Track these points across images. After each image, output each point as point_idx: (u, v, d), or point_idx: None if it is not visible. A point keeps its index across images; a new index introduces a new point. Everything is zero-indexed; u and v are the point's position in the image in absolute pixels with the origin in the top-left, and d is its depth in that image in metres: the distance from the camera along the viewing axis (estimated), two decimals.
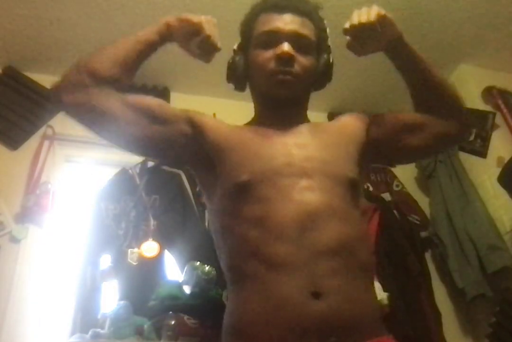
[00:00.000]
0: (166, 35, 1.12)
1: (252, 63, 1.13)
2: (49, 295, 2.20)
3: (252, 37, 1.15)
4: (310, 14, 1.15)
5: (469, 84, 2.78)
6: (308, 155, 1.05)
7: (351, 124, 1.18)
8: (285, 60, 1.07)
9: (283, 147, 1.06)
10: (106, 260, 2.13)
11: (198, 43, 1.11)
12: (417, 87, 1.18)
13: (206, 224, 2.25)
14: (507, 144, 2.57)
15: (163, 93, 2.80)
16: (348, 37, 1.09)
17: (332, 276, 0.90)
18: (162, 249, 2.12)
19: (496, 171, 2.40)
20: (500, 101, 2.64)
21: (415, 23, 2.51)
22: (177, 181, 2.31)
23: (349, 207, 1.02)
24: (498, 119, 2.62)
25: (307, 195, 0.98)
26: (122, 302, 1.84)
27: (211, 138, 1.08)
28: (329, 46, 1.18)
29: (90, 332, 1.76)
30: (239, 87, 1.20)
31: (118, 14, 2.36)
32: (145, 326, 1.78)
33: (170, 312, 1.78)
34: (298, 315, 0.86)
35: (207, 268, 1.84)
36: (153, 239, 2.12)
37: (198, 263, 1.87)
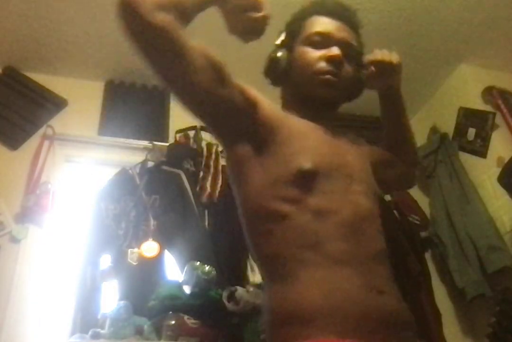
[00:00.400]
0: (217, 4, 1.04)
1: (298, 60, 1.13)
2: (49, 295, 2.20)
3: (300, 35, 1.15)
4: (357, 28, 1.19)
5: (469, 84, 2.78)
6: (354, 161, 1.08)
7: (366, 145, 1.25)
8: (336, 62, 1.09)
9: (337, 148, 1.07)
10: (106, 260, 2.13)
11: (248, 21, 1.03)
12: (394, 132, 1.32)
13: (206, 223, 2.26)
14: (507, 144, 2.57)
15: (163, 93, 2.81)
16: (371, 68, 1.16)
17: (384, 280, 0.94)
18: (162, 249, 2.12)
19: (496, 171, 2.40)
20: (500, 101, 2.64)
21: (415, 23, 2.51)
22: (177, 181, 2.30)
23: (379, 216, 1.06)
24: (498, 119, 2.62)
25: (360, 198, 1.01)
26: (122, 302, 1.84)
27: (266, 116, 1.03)
28: (363, 63, 1.20)
29: (90, 332, 1.76)
30: (276, 82, 1.19)
31: None
32: (145, 326, 1.78)
33: (170, 312, 1.78)
34: (369, 309, 0.86)
35: (207, 268, 1.84)
36: (153, 239, 2.12)
37: (198, 263, 1.87)
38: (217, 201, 2.29)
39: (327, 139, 1.08)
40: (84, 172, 2.59)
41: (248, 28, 1.05)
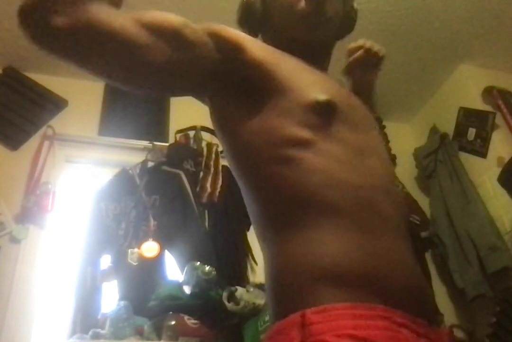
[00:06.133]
0: None
1: (274, 2, 0.99)
2: (49, 295, 2.20)
3: None
4: None
5: (469, 84, 2.79)
6: (361, 106, 0.96)
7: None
8: (319, 1, 0.93)
9: (339, 87, 0.95)
10: (106, 260, 2.13)
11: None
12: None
13: (206, 224, 2.26)
14: (507, 144, 2.57)
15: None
16: (358, 53, 1.04)
17: (408, 248, 0.80)
18: (162, 249, 2.12)
19: (496, 171, 2.40)
20: (500, 101, 2.64)
21: (415, 23, 2.51)
22: (177, 181, 2.31)
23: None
24: (498, 119, 2.62)
25: (381, 152, 0.89)
26: (122, 302, 1.84)
27: (252, 52, 0.85)
28: None
29: (90, 332, 1.76)
30: (253, 31, 1.04)
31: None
32: (145, 326, 1.78)
33: (170, 312, 1.78)
34: (408, 274, 0.73)
35: (207, 268, 1.84)
36: (153, 239, 2.12)
37: (198, 263, 1.87)
38: (217, 201, 2.29)
39: (332, 80, 0.96)
40: (84, 172, 2.59)
41: None
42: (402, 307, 0.67)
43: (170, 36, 0.79)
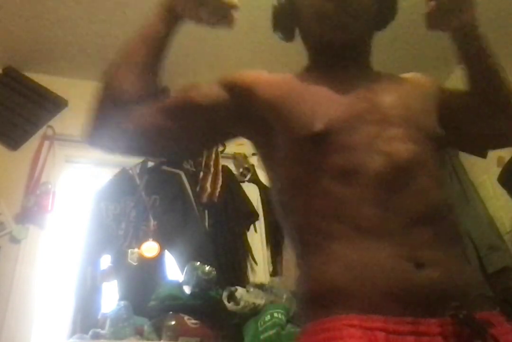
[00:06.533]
0: (173, 18, 0.97)
1: (301, 5, 0.98)
2: (49, 295, 2.20)
3: None
4: None
5: None
6: (389, 102, 0.90)
7: (428, 84, 1.03)
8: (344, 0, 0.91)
9: (360, 94, 0.91)
10: (106, 260, 2.13)
11: (210, 10, 0.95)
12: (477, 79, 1.02)
13: (206, 224, 2.26)
14: None
15: (163, 93, 2.80)
16: (431, 4, 0.92)
17: (429, 246, 0.78)
18: (162, 249, 2.12)
19: (496, 171, 2.40)
20: None
21: (415, 23, 2.51)
22: (177, 181, 2.31)
23: (438, 166, 0.88)
24: None
25: (396, 145, 0.84)
26: (122, 302, 1.84)
27: (260, 95, 0.92)
28: None
29: (90, 333, 1.76)
30: (287, 36, 1.05)
31: (119, 14, 2.36)
32: (145, 326, 1.78)
33: (170, 312, 1.78)
34: (404, 284, 0.75)
35: (207, 268, 1.84)
36: (153, 239, 2.12)
37: (198, 263, 1.87)
38: (217, 201, 2.29)
39: (350, 87, 0.92)
40: (84, 172, 2.59)
41: (217, 13, 0.96)
42: (384, 311, 0.72)
43: (187, 111, 0.94)
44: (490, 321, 0.74)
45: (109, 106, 0.93)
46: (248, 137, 0.99)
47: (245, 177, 2.54)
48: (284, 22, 1.04)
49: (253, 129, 0.96)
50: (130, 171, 2.37)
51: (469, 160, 2.70)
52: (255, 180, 2.53)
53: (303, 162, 0.88)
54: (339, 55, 0.97)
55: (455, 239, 0.84)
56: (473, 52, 1.00)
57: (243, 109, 0.93)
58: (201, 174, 2.37)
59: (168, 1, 0.96)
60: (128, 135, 0.91)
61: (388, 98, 0.91)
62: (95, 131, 0.92)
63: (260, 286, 1.83)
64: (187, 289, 1.83)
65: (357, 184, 0.82)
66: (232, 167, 2.55)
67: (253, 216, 2.37)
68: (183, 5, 0.95)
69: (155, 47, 0.97)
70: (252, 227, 2.38)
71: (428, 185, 0.83)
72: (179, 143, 0.97)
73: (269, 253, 2.37)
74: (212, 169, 2.39)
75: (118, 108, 0.91)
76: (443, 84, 1.05)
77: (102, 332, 1.76)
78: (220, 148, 2.45)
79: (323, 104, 0.89)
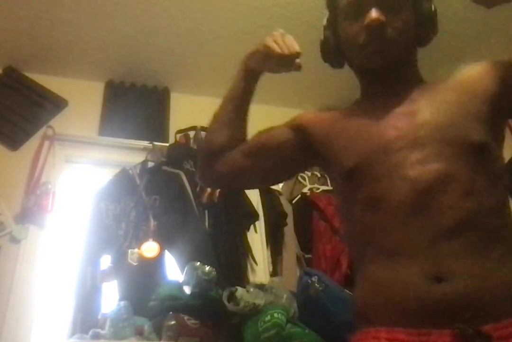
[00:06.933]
0: (251, 76, 1.16)
1: (343, 38, 1.07)
2: (49, 296, 2.20)
3: (339, 10, 1.07)
4: None
5: None
6: (420, 123, 0.95)
7: (478, 76, 1.03)
8: (376, 28, 0.98)
9: (391, 121, 0.98)
10: (106, 260, 2.13)
11: (277, 62, 1.10)
12: None
13: (206, 224, 2.26)
14: (507, 144, 2.57)
15: (163, 93, 2.81)
16: None
17: (455, 258, 0.83)
18: (162, 249, 2.11)
19: None
20: None
21: None
22: (177, 181, 2.31)
23: (475, 175, 0.89)
24: None
25: (420, 168, 0.89)
26: (122, 303, 1.83)
27: (316, 134, 1.08)
28: None
29: (90, 333, 1.76)
30: (336, 64, 1.15)
31: (119, 14, 2.36)
32: (145, 327, 1.78)
33: (170, 313, 1.78)
34: (418, 300, 0.82)
35: (207, 268, 1.84)
36: (153, 239, 2.12)
37: (198, 263, 1.87)
38: (217, 201, 2.29)
39: (387, 115, 0.99)
40: (84, 172, 2.59)
41: (283, 63, 1.09)
42: (404, 324, 0.83)
43: (260, 152, 1.14)
44: (500, 336, 0.77)
45: (206, 154, 1.17)
46: (320, 169, 1.22)
47: None
48: (331, 54, 1.13)
49: (317, 162, 1.17)
50: (130, 171, 2.37)
51: None
52: None
53: (343, 194, 1.04)
54: (382, 79, 1.06)
55: (494, 245, 0.86)
56: None
57: (307, 146, 1.10)
58: None
59: (243, 62, 1.15)
60: (220, 175, 1.16)
61: (422, 117, 0.96)
62: (203, 172, 1.19)
63: (260, 286, 1.83)
64: (187, 289, 1.83)
65: (383, 211, 0.91)
66: None
67: (253, 216, 2.37)
68: (255, 62, 1.13)
69: (239, 102, 1.16)
70: (252, 227, 2.38)
71: (458, 199, 0.87)
72: (259, 178, 1.20)
73: (269, 253, 2.37)
74: None
75: (213, 156, 1.14)
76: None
77: (102, 332, 1.76)
78: None
79: (355, 141, 1.00)
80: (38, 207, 2.25)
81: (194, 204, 2.25)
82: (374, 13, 0.98)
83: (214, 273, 1.83)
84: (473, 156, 0.91)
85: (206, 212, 2.29)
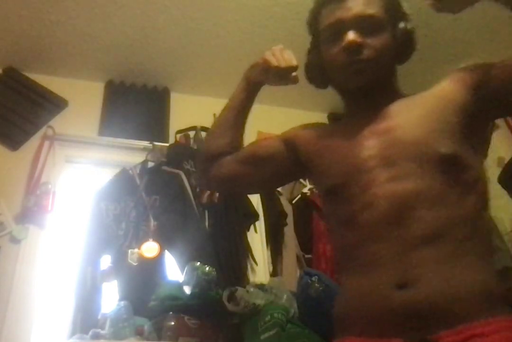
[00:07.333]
0: (251, 87, 1.23)
1: (325, 60, 1.12)
2: (49, 296, 2.20)
3: (319, 33, 1.14)
4: None
5: None
6: (392, 141, 1.00)
7: (448, 87, 1.06)
8: (353, 50, 1.04)
9: (366, 140, 1.03)
10: (106, 260, 2.13)
11: (275, 75, 1.17)
12: None
13: (206, 224, 2.26)
14: (507, 144, 2.58)
15: (163, 93, 2.81)
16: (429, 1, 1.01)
17: (423, 266, 0.87)
18: (162, 249, 2.11)
19: (496, 171, 2.40)
20: None
21: (415, 24, 2.51)
22: (177, 181, 2.31)
23: (445, 187, 0.93)
24: (498, 120, 2.62)
25: (391, 186, 0.94)
26: (122, 303, 1.83)
27: (303, 151, 1.15)
28: (405, 13, 1.14)
29: (90, 333, 1.76)
30: (320, 85, 1.21)
31: (118, 14, 2.36)
32: (145, 327, 1.77)
33: (170, 313, 1.78)
34: (382, 307, 0.87)
35: (207, 268, 1.84)
36: (153, 239, 2.12)
37: (198, 263, 1.87)
38: (217, 201, 2.29)
39: (365, 134, 1.04)
40: (84, 172, 2.59)
41: (281, 76, 1.17)
42: (369, 333, 0.89)
43: (256, 161, 1.21)
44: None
45: (204, 157, 1.24)
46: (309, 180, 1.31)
47: None
48: (315, 76, 1.19)
49: (305, 176, 1.29)
50: (130, 171, 2.37)
51: None
52: None
53: (326, 209, 1.11)
54: (363, 98, 1.11)
55: (465, 251, 0.89)
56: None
57: (296, 160, 1.16)
58: None
59: (245, 74, 1.23)
60: (216, 179, 1.22)
61: (394, 135, 1.01)
62: (201, 175, 1.30)
63: (260, 286, 1.83)
64: (187, 289, 1.83)
65: (358, 227, 0.97)
66: None
67: (253, 216, 2.37)
68: (255, 74, 1.21)
69: (239, 111, 1.23)
70: (252, 227, 2.38)
71: (425, 212, 0.91)
72: (254, 184, 1.26)
73: (269, 253, 2.37)
74: None
75: (210, 159, 1.21)
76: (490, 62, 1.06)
77: (102, 332, 1.76)
78: None
79: (335, 160, 1.06)
80: (38, 207, 2.25)
81: (194, 204, 2.25)
82: (351, 36, 1.03)
83: (214, 273, 1.83)
84: (442, 170, 0.94)
85: (206, 212, 2.30)
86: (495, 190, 2.47)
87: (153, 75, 2.73)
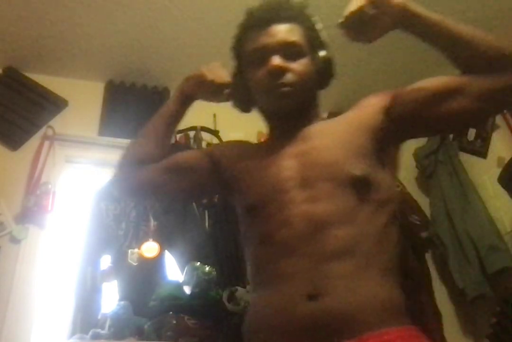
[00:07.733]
0: (183, 98, 1.27)
1: (250, 84, 1.14)
2: (49, 296, 2.20)
3: (244, 58, 1.16)
4: (296, 17, 1.13)
5: None
6: (309, 163, 1.04)
7: (364, 110, 1.11)
8: (277, 74, 1.07)
9: (286, 162, 1.07)
10: (106, 260, 2.13)
11: (208, 90, 1.22)
12: (448, 50, 1.11)
13: (206, 224, 2.26)
14: (507, 144, 2.57)
15: (163, 93, 2.80)
16: (345, 30, 1.05)
17: (331, 278, 0.92)
18: (162, 249, 2.12)
19: (497, 171, 2.40)
20: None
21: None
22: None
23: (357, 206, 0.99)
24: (499, 120, 2.62)
25: (307, 207, 0.99)
26: (122, 303, 1.84)
27: (225, 168, 1.17)
28: (324, 42, 1.17)
29: (90, 333, 1.76)
30: (244, 109, 1.22)
31: (118, 14, 2.36)
32: (145, 327, 1.78)
33: (170, 313, 1.78)
34: (290, 318, 0.91)
35: (207, 268, 1.84)
36: (153, 239, 2.12)
37: (199, 263, 1.87)
38: (217, 201, 2.29)
39: (285, 156, 1.08)
40: (84, 172, 2.59)
41: (216, 92, 1.22)
42: None
43: (175, 170, 1.21)
44: None
45: (128, 163, 1.23)
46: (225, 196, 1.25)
47: None
48: (240, 99, 1.21)
49: (224, 192, 1.22)
50: None
51: (469, 161, 2.70)
52: None
53: (243, 227, 1.12)
54: (285, 121, 1.14)
55: (369, 266, 0.95)
56: (422, 27, 1.09)
57: (216, 175, 1.18)
58: None
59: (180, 87, 1.27)
60: (135, 184, 1.23)
61: (311, 157, 1.05)
62: (115, 182, 1.28)
63: None
64: (187, 289, 1.83)
65: (273, 245, 1.00)
66: None
67: None
68: (190, 87, 1.25)
69: (169, 121, 1.28)
70: None
71: (340, 230, 0.96)
72: (171, 194, 1.27)
73: None
74: None
75: (134, 165, 1.22)
76: (401, 88, 1.10)
77: (102, 332, 1.76)
78: None
79: (256, 181, 1.09)
80: (38, 207, 2.25)
81: (194, 204, 2.25)
82: (275, 60, 1.07)
83: (214, 273, 1.83)
84: (355, 190, 0.99)
85: (206, 212, 2.29)
86: (495, 190, 2.47)
87: (153, 75, 2.73)
